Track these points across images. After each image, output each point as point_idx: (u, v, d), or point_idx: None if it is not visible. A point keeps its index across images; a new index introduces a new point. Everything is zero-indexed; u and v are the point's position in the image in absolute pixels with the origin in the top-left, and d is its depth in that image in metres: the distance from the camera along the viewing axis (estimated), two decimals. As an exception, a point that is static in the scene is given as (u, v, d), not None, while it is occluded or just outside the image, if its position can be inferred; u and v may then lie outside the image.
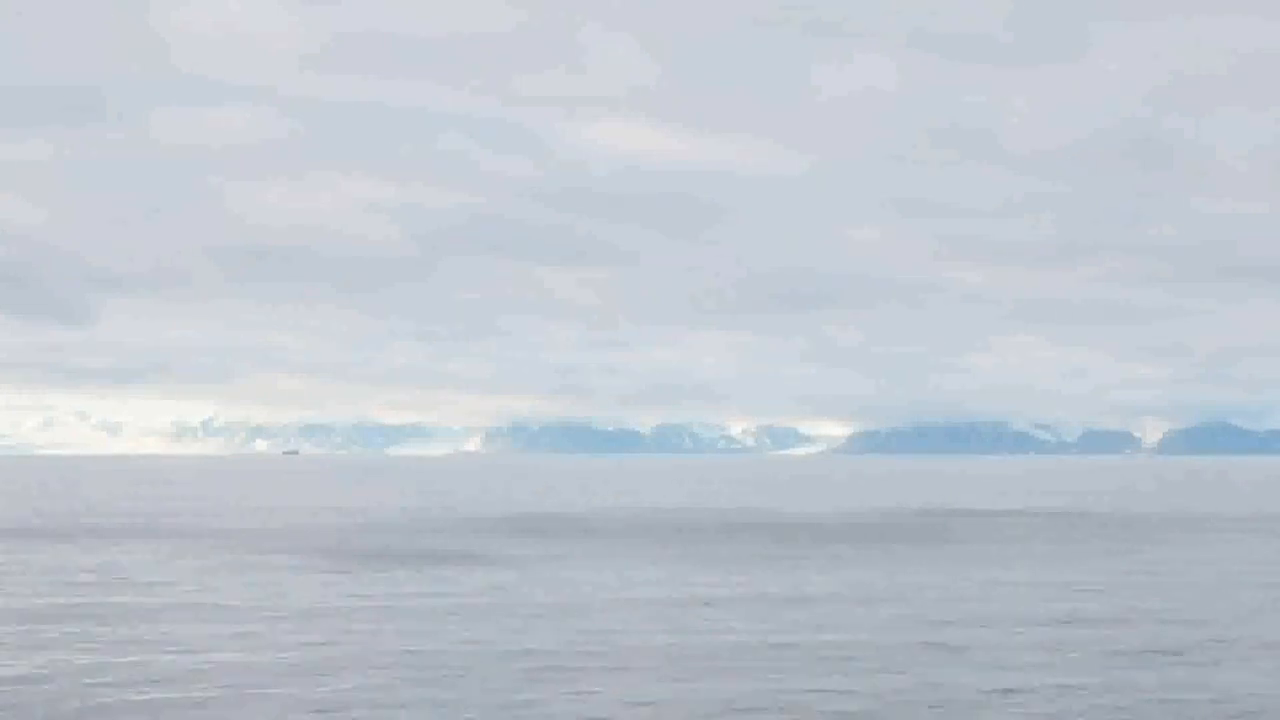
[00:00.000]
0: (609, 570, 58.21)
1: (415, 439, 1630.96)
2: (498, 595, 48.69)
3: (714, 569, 58.83)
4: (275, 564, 60.68)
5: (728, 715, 28.46)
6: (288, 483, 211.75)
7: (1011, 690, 30.80)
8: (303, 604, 45.73)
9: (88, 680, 31.51)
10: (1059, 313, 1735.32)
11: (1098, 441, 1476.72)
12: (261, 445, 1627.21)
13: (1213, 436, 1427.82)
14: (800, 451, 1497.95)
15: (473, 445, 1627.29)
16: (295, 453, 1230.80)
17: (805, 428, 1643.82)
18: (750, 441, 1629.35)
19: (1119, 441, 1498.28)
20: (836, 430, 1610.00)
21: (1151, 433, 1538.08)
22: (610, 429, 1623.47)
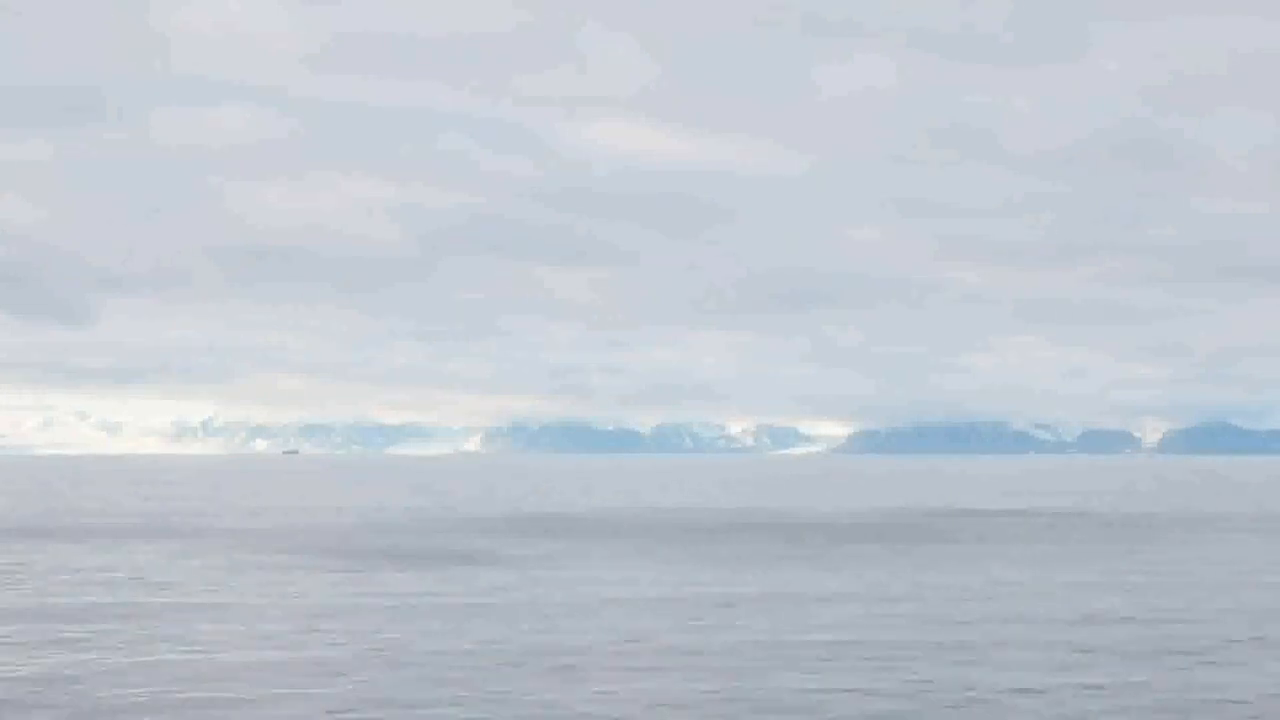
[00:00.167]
0: (614, 570, 58.35)
1: (415, 439, 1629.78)
2: (504, 595, 48.82)
3: (719, 568, 58.95)
4: (282, 563, 60.84)
5: (743, 714, 28.61)
6: (288, 483, 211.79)
7: (1028, 690, 30.89)
8: (313, 603, 45.88)
9: (104, 680, 31.65)
10: (1059, 313, 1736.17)
11: (1098, 441, 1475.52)
12: (261, 445, 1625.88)
13: (1213, 436, 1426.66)
14: (800, 451, 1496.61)
15: (472, 445, 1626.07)
16: (295, 453, 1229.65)
17: (805, 428, 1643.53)
18: (750, 441, 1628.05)
19: (1119, 441, 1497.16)
20: (836, 430, 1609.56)
21: (1151, 433, 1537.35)
22: (610, 429, 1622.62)
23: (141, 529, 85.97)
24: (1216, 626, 41.64)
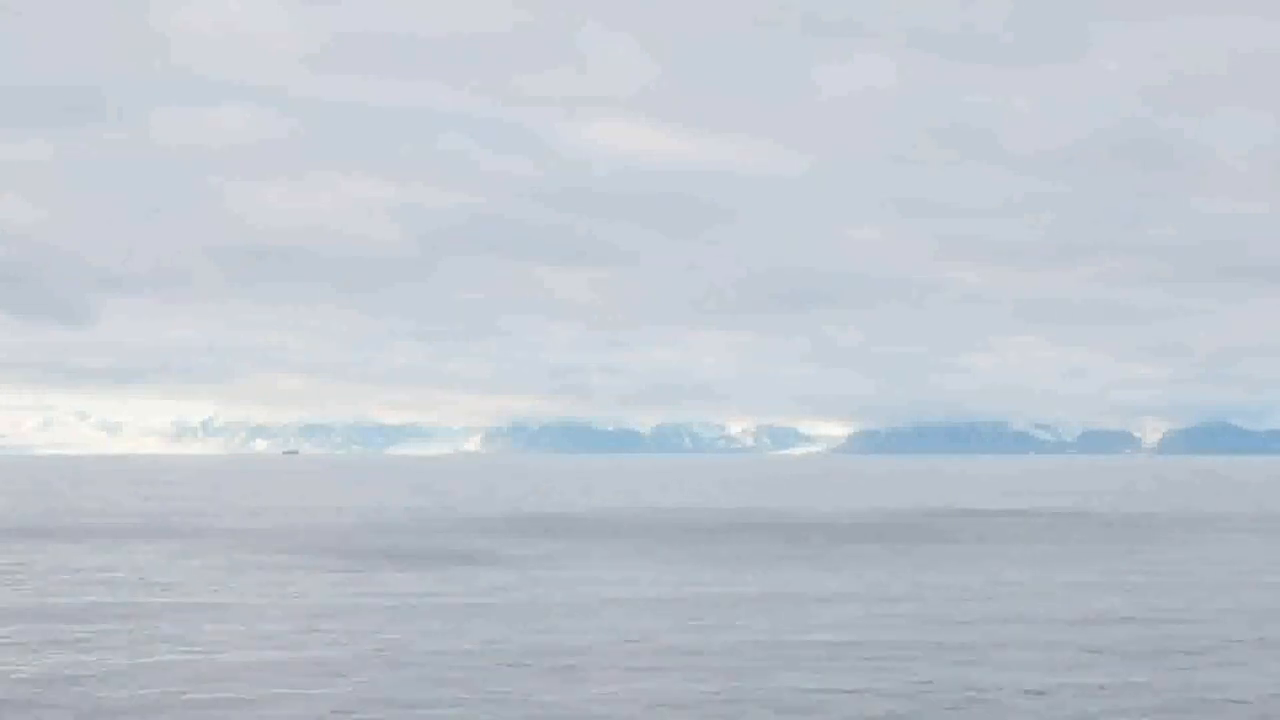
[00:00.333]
0: (613, 570, 58.35)
1: (415, 439, 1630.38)
2: (505, 595, 48.84)
3: (719, 568, 58.96)
4: (282, 564, 60.85)
5: (744, 714, 28.62)
6: (288, 483, 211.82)
7: (1030, 690, 30.89)
8: (313, 603, 45.89)
9: (105, 680, 31.66)
10: (1059, 313, 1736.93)
11: (1098, 441, 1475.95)
12: (261, 445, 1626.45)
13: (1213, 436, 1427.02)
14: (800, 451, 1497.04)
15: (472, 445, 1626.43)
16: (295, 453, 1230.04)
17: (805, 428, 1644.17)
18: (750, 441, 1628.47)
19: (1119, 441, 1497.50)
20: (836, 430, 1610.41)
21: (1151, 433, 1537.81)
22: (610, 429, 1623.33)
23: (141, 529, 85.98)
24: (1217, 627, 41.65)
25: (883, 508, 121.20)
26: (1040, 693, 30.66)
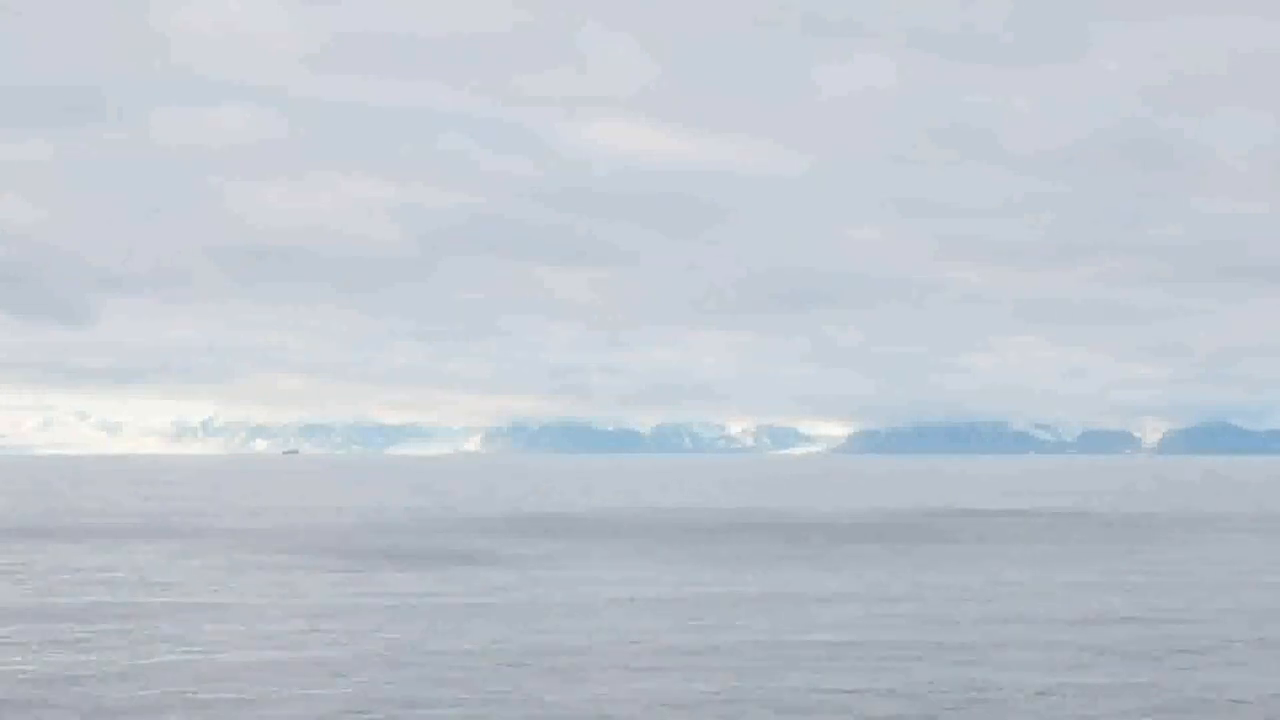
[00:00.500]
0: (614, 570, 58.38)
1: (415, 439, 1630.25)
2: (505, 595, 48.87)
3: (720, 568, 58.98)
4: (284, 564, 60.89)
5: (745, 715, 28.65)
6: (289, 483, 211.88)
7: (1031, 690, 30.93)
8: (314, 603, 45.92)
9: (107, 680, 31.71)
10: (1059, 313, 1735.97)
11: (1098, 441, 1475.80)
12: (261, 445, 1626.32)
13: (1213, 436, 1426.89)
14: (800, 451, 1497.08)
15: (473, 445, 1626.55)
16: (295, 452, 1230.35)
17: (805, 428, 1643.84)
18: (750, 441, 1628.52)
19: (1119, 441, 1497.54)
20: (836, 430, 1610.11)
21: (1151, 433, 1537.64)
22: (610, 429, 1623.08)
23: (142, 529, 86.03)
24: (1218, 626, 41.69)
25: (883, 508, 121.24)
26: (1042, 693, 30.68)
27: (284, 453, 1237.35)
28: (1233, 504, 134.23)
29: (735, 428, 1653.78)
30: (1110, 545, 74.86)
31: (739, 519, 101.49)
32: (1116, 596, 49.43)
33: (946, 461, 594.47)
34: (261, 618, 42.34)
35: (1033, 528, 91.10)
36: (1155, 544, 76.36)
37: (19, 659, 34.47)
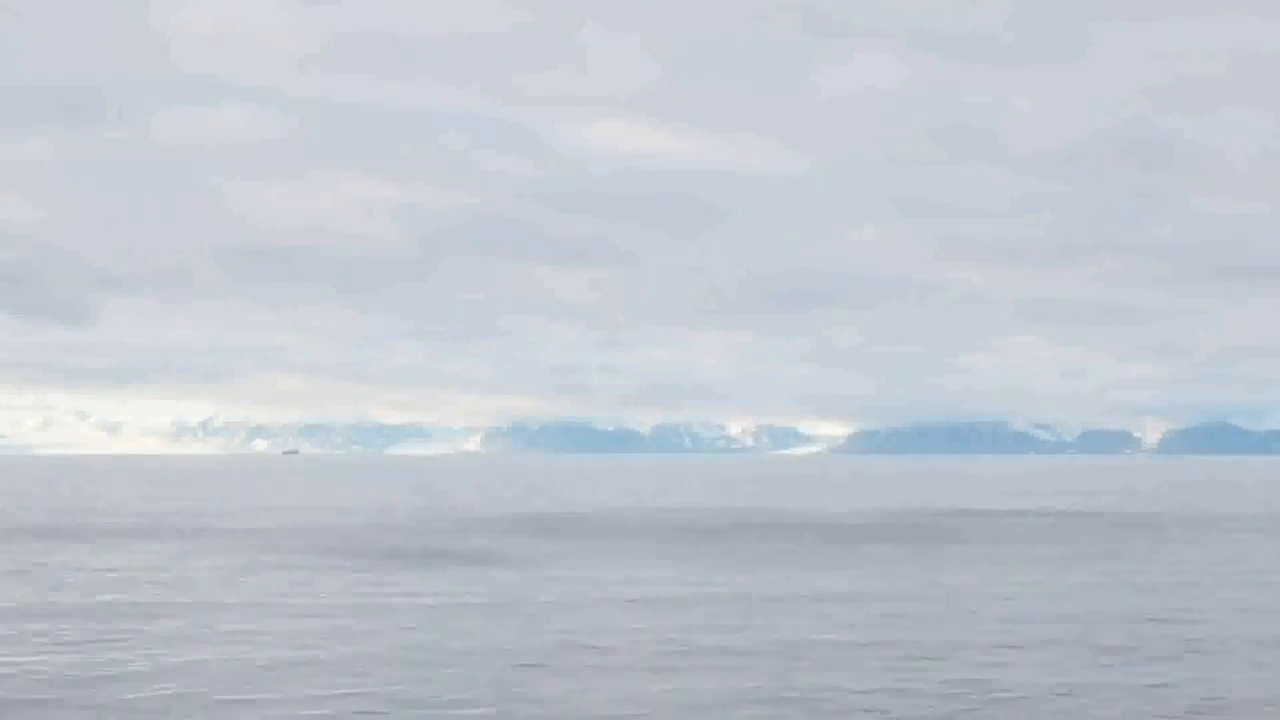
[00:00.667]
0: (623, 569, 58.43)
1: (415, 439, 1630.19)
2: (517, 594, 48.92)
3: (730, 567, 59.04)
4: (292, 563, 60.97)
5: (766, 712, 28.71)
6: (289, 483, 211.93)
7: (1060, 692, 30.96)
8: (329, 603, 45.95)
9: (122, 680, 31.76)
10: (1059, 313, 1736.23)
11: (1098, 441, 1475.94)
12: (261, 445, 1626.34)
13: (1213, 436, 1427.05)
14: (800, 451, 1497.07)
15: (473, 445, 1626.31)
16: (295, 452, 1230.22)
17: (805, 428, 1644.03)
18: (750, 441, 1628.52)
19: (1119, 441, 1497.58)
20: (836, 430, 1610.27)
21: (1151, 433, 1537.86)
22: (610, 429, 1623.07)
23: (146, 529, 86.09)
24: (1229, 627, 41.73)
25: (885, 508, 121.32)
26: (1061, 693, 30.70)
27: (284, 453, 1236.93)
28: (1234, 504, 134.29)
29: (735, 428, 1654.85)
30: (1116, 545, 74.91)
31: (742, 519, 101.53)
32: (1127, 596, 49.50)
33: (946, 461, 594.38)
34: (273, 617, 42.39)
35: (1037, 528, 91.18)
36: (1160, 544, 76.42)
37: (32, 658, 34.53)
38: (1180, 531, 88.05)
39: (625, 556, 65.40)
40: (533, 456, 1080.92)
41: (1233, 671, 33.93)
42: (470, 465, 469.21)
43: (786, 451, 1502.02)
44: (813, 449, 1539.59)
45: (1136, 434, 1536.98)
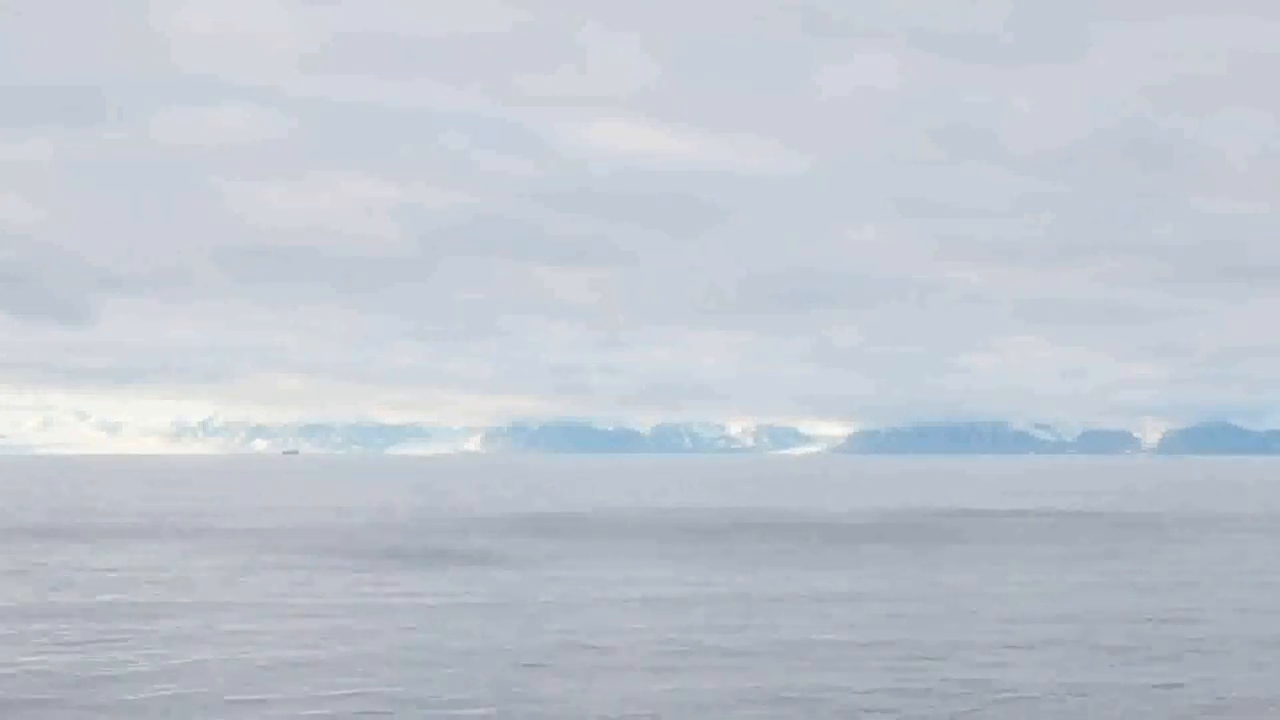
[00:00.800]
0: (623, 569, 58.43)
1: (415, 439, 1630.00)
2: (518, 593, 48.92)
3: (730, 567, 59.05)
4: (293, 563, 60.98)
5: (767, 711, 28.73)
6: (290, 482, 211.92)
7: (1062, 692, 30.98)
8: (331, 602, 45.97)
9: (123, 679, 31.77)
10: (1059, 313, 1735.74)
11: (1098, 441, 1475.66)
12: (261, 445, 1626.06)
13: (1213, 436, 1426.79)
14: (800, 451, 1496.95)
15: (473, 445, 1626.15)
16: (295, 452, 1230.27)
17: (805, 428, 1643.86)
18: (750, 441, 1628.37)
19: (1119, 441, 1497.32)
20: (836, 430, 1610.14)
21: (1151, 433, 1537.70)
22: (610, 429, 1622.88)
23: (147, 529, 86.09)
24: (1230, 627, 41.74)
25: (885, 508, 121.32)
26: (1064, 693, 30.70)
27: (284, 453, 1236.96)
28: (1234, 504, 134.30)
29: (735, 428, 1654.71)
30: (1116, 545, 74.92)
31: (742, 519, 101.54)
32: (1127, 596, 49.52)
33: (946, 461, 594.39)
34: (273, 617, 42.39)
35: (1037, 528, 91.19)
36: (1160, 544, 76.43)
37: (33, 658, 34.54)
38: (1180, 531, 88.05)
39: (625, 556, 65.41)
40: (533, 456, 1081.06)
41: (1233, 671, 33.96)
42: (470, 465, 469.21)
43: (786, 451, 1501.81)
44: (813, 449, 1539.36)
45: (1136, 434, 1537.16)
